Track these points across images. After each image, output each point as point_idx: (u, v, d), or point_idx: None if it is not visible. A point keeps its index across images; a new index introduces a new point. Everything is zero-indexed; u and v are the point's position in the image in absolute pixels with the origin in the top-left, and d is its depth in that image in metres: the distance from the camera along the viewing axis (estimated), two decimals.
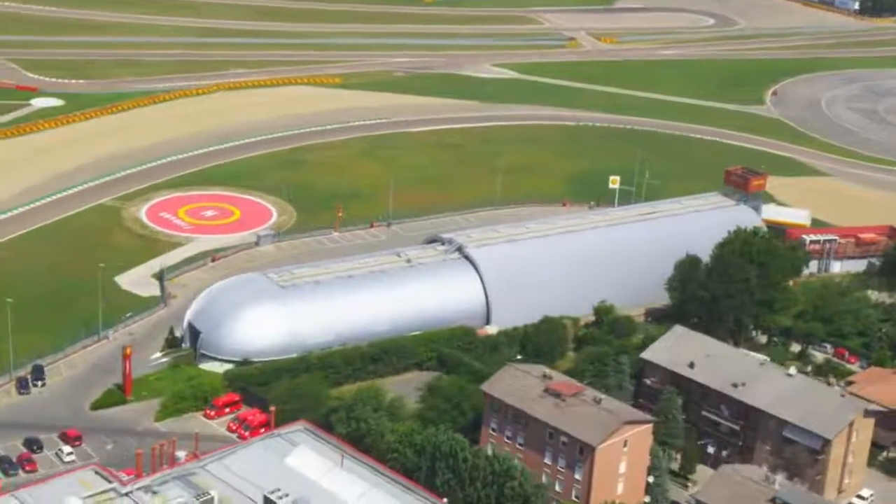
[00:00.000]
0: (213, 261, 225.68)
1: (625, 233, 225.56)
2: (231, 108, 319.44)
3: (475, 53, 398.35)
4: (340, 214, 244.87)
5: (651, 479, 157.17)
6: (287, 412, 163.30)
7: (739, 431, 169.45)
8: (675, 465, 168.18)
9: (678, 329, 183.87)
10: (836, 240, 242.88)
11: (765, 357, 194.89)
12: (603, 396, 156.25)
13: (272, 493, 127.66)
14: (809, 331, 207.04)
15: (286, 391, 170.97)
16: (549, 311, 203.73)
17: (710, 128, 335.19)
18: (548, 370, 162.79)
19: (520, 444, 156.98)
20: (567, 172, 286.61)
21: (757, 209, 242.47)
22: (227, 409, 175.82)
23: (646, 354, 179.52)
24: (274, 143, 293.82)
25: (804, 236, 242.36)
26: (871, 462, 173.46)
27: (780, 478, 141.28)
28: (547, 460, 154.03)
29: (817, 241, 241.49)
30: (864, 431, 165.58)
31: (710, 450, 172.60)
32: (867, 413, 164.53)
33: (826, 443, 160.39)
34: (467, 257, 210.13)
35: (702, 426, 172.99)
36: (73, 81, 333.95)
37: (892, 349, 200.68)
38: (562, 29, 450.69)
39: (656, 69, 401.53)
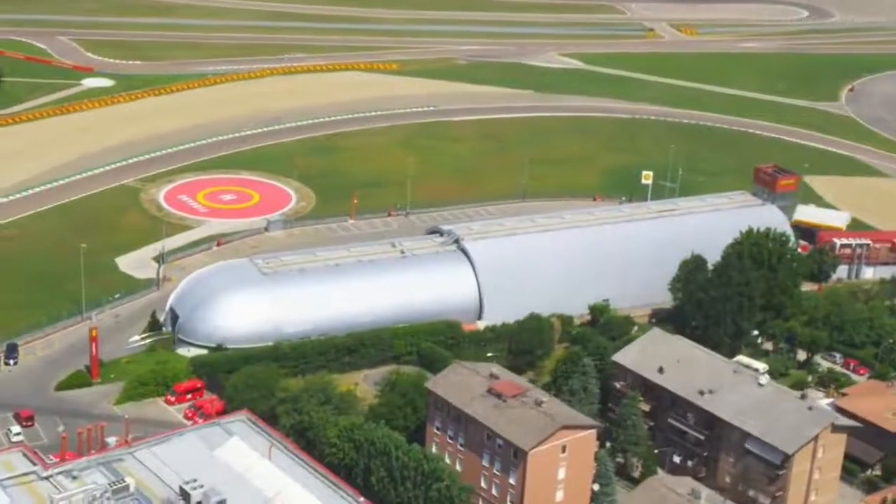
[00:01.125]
0: (217, 245, 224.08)
1: (634, 230, 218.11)
2: (279, 92, 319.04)
3: (544, 42, 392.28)
4: (356, 202, 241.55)
5: (596, 487, 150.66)
6: (240, 402, 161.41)
7: (704, 441, 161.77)
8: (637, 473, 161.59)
9: (654, 332, 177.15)
10: (868, 244, 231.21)
11: (762, 365, 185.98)
12: (546, 399, 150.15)
13: (187, 483, 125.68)
14: (814, 339, 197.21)
15: (241, 380, 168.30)
16: (545, 308, 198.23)
17: (776, 125, 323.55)
18: (497, 369, 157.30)
19: (461, 445, 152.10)
20: (610, 166, 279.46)
21: (786, 210, 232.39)
22: (189, 396, 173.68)
23: (616, 357, 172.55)
24: (313, 129, 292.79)
25: (835, 240, 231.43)
26: (851, 480, 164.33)
27: (707, 492, 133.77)
28: (485, 462, 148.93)
29: (848, 245, 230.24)
30: (834, 447, 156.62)
31: (676, 459, 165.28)
32: (836, 428, 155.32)
33: (786, 457, 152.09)
34: (463, 250, 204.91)
35: (669, 434, 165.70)
36: (130, 62, 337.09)
37: None
38: (644, 19, 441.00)
39: (733, 62, 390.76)
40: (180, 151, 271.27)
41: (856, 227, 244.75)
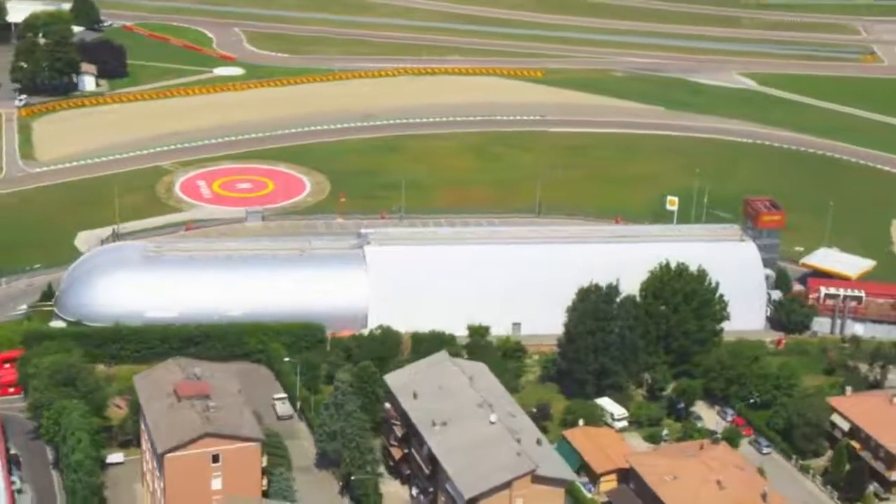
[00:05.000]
0: (186, 230, 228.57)
1: (567, 252, 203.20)
2: (392, 91, 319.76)
3: (731, 59, 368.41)
4: (343, 200, 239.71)
5: None
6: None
7: (430, 476, 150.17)
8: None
9: (439, 355, 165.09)
10: (861, 297, 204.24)
11: (621, 410, 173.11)
12: (221, 406, 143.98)
13: None
14: (684, 389, 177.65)
15: (35, 355, 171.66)
16: (438, 323, 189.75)
17: None
18: (203, 370, 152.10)
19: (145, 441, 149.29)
20: (677, 189, 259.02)
21: (769, 248, 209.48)
22: (7, 366, 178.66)
23: (387, 377, 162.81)
24: (393, 128, 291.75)
25: (821, 287, 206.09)
26: None
27: None
28: (149, 460, 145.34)
29: (834, 296, 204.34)
30: (539, 499, 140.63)
31: (415, 491, 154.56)
32: (537, 479, 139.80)
33: (469, 502, 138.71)
34: (363, 255, 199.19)
35: (411, 463, 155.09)
36: (277, 54, 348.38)
37: None
38: (878, 41, 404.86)
39: None
40: (241, 140, 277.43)
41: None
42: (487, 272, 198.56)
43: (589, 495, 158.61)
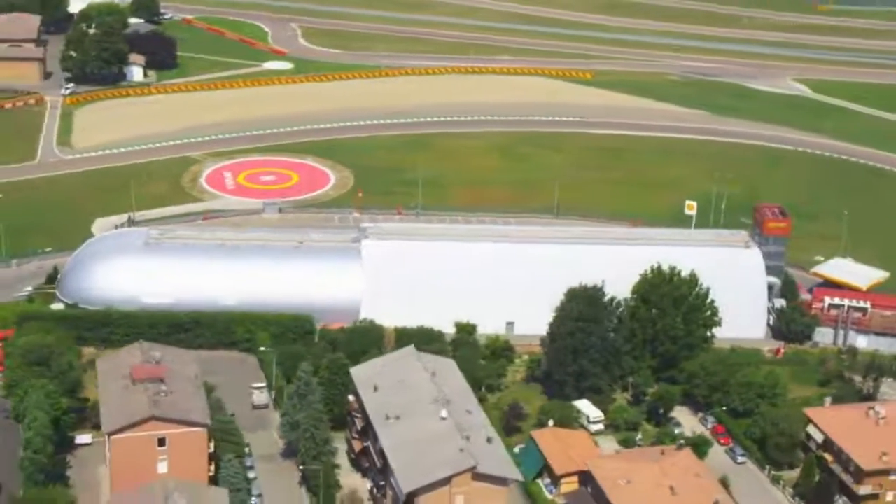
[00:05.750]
0: (202, 220, 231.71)
1: (564, 253, 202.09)
2: (434, 90, 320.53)
3: (789, 65, 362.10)
4: (360, 195, 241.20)
5: None
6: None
7: (382, 470, 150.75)
8: None
9: (408, 350, 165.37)
10: (866, 308, 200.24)
11: (596, 413, 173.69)
12: (174, 391, 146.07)
13: None
14: (662, 394, 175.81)
15: (20, 335, 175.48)
16: (431, 319, 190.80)
17: None
18: (164, 355, 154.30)
19: None
20: (699, 194, 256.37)
21: (775, 256, 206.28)
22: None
23: (353, 369, 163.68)
24: (427, 126, 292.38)
25: (826, 298, 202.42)
26: None
27: None
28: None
29: (838, 306, 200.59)
30: (484, 499, 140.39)
31: (368, 484, 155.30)
32: (478, 476, 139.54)
33: (409, 497, 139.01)
34: (359, 249, 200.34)
35: (368, 456, 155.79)
36: (329, 50, 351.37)
37: None
38: None
39: None
40: (274, 133, 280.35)
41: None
42: (483, 270, 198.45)
43: (550, 496, 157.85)
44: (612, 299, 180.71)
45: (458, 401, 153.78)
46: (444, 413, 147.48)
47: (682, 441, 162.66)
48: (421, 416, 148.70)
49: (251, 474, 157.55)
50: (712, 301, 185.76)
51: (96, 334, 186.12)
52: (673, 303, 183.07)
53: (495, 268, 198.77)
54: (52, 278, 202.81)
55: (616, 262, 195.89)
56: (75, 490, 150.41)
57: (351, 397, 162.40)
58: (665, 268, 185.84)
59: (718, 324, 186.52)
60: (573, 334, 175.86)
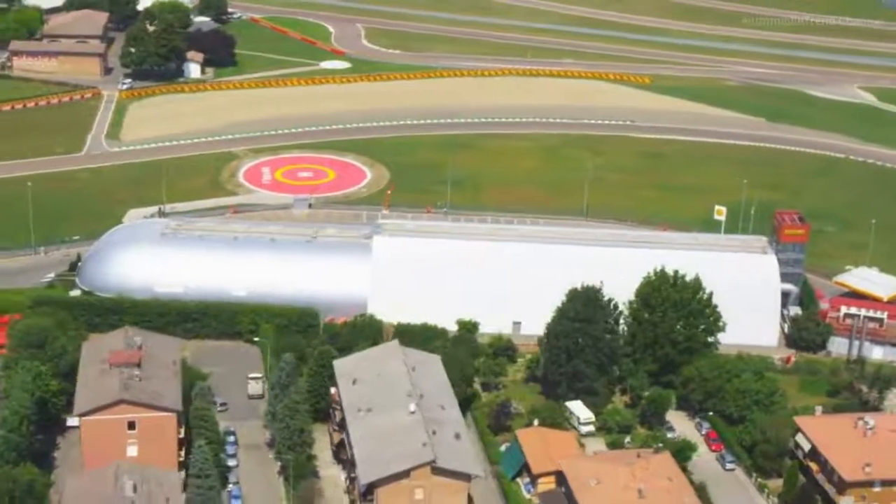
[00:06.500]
0: (231, 213, 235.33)
1: (574, 254, 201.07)
2: (488, 91, 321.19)
3: (857, 73, 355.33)
4: (390, 193, 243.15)
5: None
6: None
7: (352, 460, 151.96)
8: None
9: (391, 344, 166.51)
10: (882, 318, 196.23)
11: (586, 413, 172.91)
12: (149, 376, 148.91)
13: None
14: (654, 398, 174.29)
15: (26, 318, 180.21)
16: (436, 316, 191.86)
17: None
18: (146, 341, 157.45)
19: None
20: (735, 200, 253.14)
21: (793, 263, 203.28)
22: None
23: (336, 361, 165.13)
24: (476, 127, 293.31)
25: (842, 307, 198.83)
26: None
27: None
28: None
29: (854, 316, 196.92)
30: (446, 494, 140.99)
31: (343, 476, 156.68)
32: (437, 470, 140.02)
33: (368, 487, 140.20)
34: (370, 245, 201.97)
35: (345, 448, 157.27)
36: (386, 50, 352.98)
37: None
38: None
39: None
40: (319, 130, 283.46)
41: None
42: (491, 269, 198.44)
43: (527, 495, 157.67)
44: (610, 300, 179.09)
45: (433, 396, 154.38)
46: (412, 407, 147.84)
47: (660, 444, 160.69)
48: (391, 410, 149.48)
49: (232, 462, 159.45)
50: (715, 306, 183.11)
51: (107, 321, 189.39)
52: (673, 306, 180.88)
53: (504, 267, 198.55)
54: (74, 266, 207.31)
55: (627, 264, 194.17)
56: (61, 470, 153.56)
57: (333, 389, 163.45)
58: (676, 271, 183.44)
59: (722, 329, 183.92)
60: (567, 334, 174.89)
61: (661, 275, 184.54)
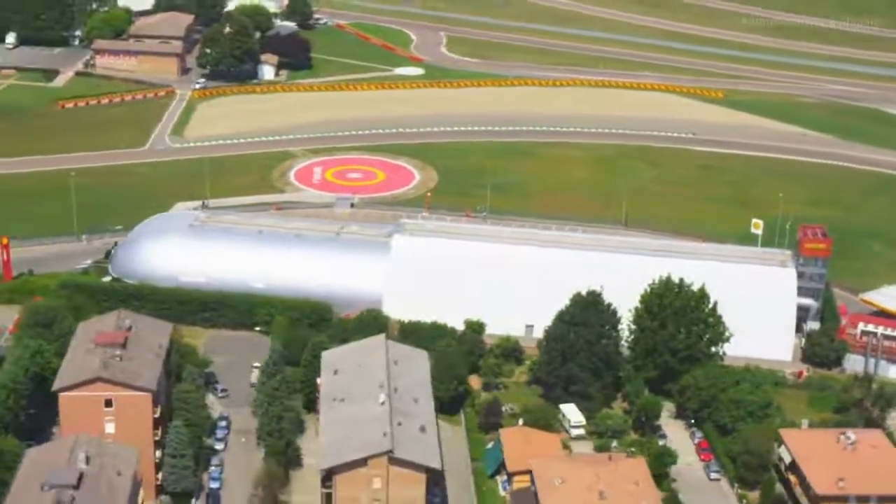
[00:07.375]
0: (274, 210, 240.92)
1: (590, 260, 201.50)
2: (555, 100, 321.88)
3: None
4: (430, 195, 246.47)
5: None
6: None
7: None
8: None
9: (378, 338, 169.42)
10: None
11: (578, 417, 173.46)
12: (131, 357, 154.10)
13: None
14: (644, 405, 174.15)
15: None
16: (448, 316, 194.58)
17: None
18: (136, 323, 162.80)
19: None
20: (784, 216, 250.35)
21: (814, 278, 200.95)
22: None
23: (324, 353, 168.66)
24: (538, 135, 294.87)
25: (860, 323, 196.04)
26: None
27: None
28: None
29: (871, 334, 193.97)
30: (406, 485, 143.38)
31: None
32: (395, 461, 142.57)
33: (327, 474, 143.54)
34: (390, 243, 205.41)
35: None
36: (461, 58, 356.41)
37: None
38: None
39: None
40: (378, 133, 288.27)
41: None
42: (506, 272, 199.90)
43: (503, 493, 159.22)
44: (609, 305, 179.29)
45: (409, 390, 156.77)
46: (382, 398, 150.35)
47: (632, 450, 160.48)
48: (362, 400, 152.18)
49: (220, 446, 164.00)
50: (720, 316, 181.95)
51: (128, 306, 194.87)
52: (675, 314, 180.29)
53: (518, 270, 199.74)
54: (109, 254, 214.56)
55: (643, 272, 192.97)
56: None
57: (319, 380, 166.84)
58: (681, 279, 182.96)
59: (727, 339, 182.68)
60: (563, 337, 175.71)
61: (665, 282, 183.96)
